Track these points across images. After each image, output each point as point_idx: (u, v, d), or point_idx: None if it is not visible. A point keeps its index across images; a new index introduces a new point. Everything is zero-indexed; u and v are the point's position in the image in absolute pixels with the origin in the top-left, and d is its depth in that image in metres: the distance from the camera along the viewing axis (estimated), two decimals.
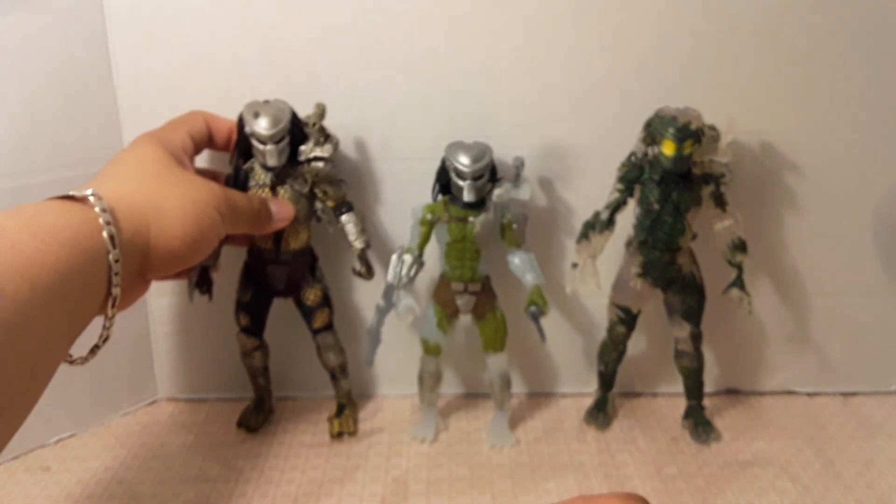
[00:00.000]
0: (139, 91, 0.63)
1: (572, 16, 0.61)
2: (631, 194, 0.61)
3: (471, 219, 0.59)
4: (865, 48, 0.62)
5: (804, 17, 0.61)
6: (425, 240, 0.61)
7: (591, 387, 0.69)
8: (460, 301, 0.63)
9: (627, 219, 0.62)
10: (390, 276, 0.61)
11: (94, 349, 0.43)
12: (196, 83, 0.63)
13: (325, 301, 0.64)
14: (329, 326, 0.65)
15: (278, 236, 0.61)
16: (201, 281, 0.62)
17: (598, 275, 0.62)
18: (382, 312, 0.63)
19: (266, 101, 0.58)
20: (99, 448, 0.64)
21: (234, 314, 0.65)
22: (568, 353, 0.70)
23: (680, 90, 0.62)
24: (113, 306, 0.41)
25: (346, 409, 0.67)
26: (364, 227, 0.62)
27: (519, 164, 0.60)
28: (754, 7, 0.61)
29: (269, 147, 0.57)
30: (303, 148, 0.59)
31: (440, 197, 0.61)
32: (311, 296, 0.64)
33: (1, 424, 0.34)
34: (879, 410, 0.69)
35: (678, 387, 0.67)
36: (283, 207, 0.58)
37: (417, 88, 0.63)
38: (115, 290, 0.40)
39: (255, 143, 0.57)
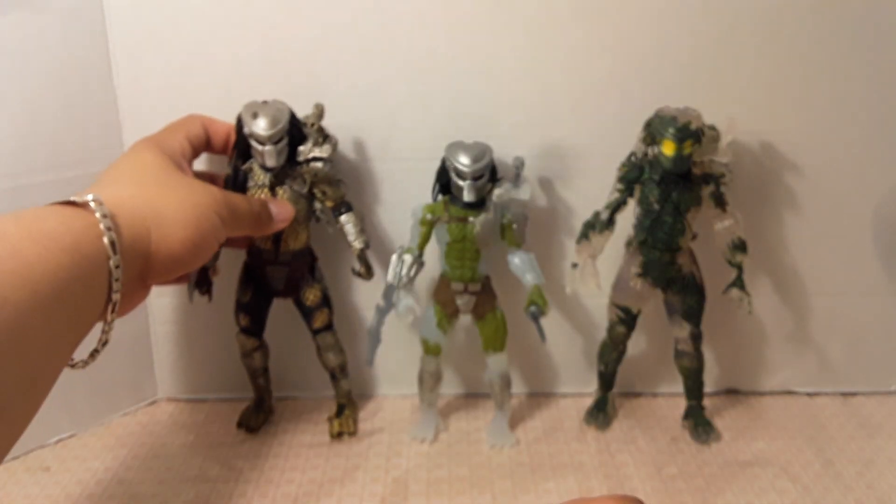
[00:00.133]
0: (139, 91, 0.63)
1: (572, 16, 0.61)
2: (631, 194, 0.61)
3: (471, 219, 0.59)
4: (865, 48, 0.62)
5: (804, 17, 0.61)
6: (425, 240, 0.61)
7: (591, 387, 0.69)
8: (460, 301, 0.63)
9: (627, 219, 0.62)
10: (390, 276, 0.61)
11: (94, 353, 0.43)
12: (196, 83, 0.63)
13: (325, 301, 0.64)
14: (329, 326, 0.65)
15: (277, 237, 0.61)
16: (201, 281, 0.62)
17: (598, 275, 0.62)
18: (382, 312, 0.63)
19: (265, 102, 0.58)
20: (99, 448, 0.64)
21: (234, 314, 0.65)
22: (568, 353, 0.70)
23: (680, 90, 0.62)
24: (113, 311, 0.41)
25: (346, 409, 0.67)
26: (363, 228, 0.62)
27: (519, 164, 0.60)
28: (754, 7, 0.61)
29: (267, 148, 0.57)
30: (301, 148, 0.59)
31: (440, 197, 0.61)
32: (311, 296, 0.64)
33: (3, 431, 0.34)
34: (879, 410, 0.69)
35: (678, 387, 0.67)
36: (283, 208, 0.58)
37: (417, 88, 0.63)
38: (116, 296, 0.40)
39: (253, 143, 0.57)
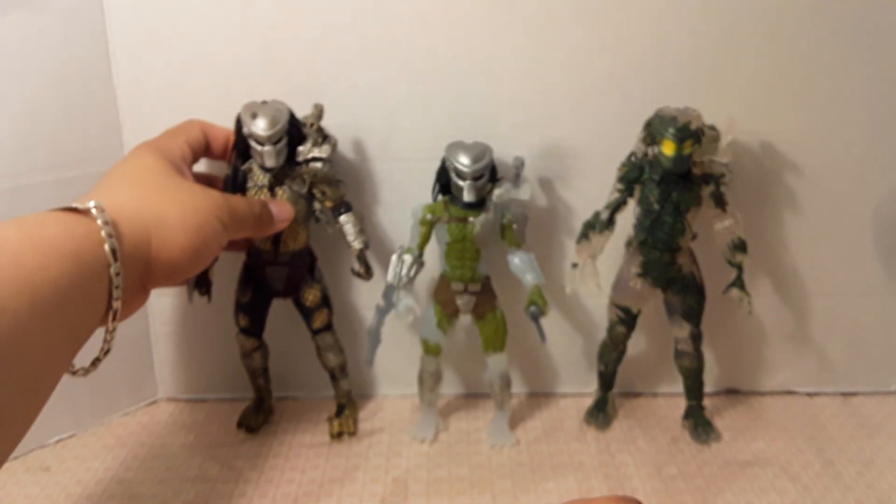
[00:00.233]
0: (139, 91, 0.63)
1: (572, 16, 0.61)
2: (631, 194, 0.61)
3: (471, 219, 0.59)
4: (865, 48, 0.62)
5: (804, 17, 0.61)
6: (425, 240, 0.61)
7: (591, 387, 0.69)
8: (460, 301, 0.63)
9: (627, 219, 0.62)
10: (390, 277, 0.61)
11: (96, 361, 0.42)
12: (196, 83, 0.63)
13: (325, 301, 0.64)
14: (328, 327, 0.65)
15: (277, 237, 0.61)
16: (200, 282, 0.62)
17: (598, 275, 0.62)
18: (382, 312, 0.63)
19: (264, 102, 0.58)
20: (99, 448, 0.64)
21: (234, 315, 0.65)
22: (568, 353, 0.70)
23: (680, 90, 0.62)
24: (114, 319, 0.40)
25: (346, 409, 0.67)
26: (363, 228, 0.62)
27: (519, 164, 0.60)
28: (754, 7, 0.61)
29: (267, 148, 0.57)
30: (301, 149, 0.59)
31: (440, 197, 0.61)
32: (311, 296, 0.64)
33: (2, 437, 0.33)
34: (879, 410, 0.69)
35: (678, 387, 0.67)
36: (283, 209, 0.58)
37: (417, 88, 0.63)
38: (116, 304, 0.40)
39: (253, 143, 0.57)
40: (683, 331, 0.64)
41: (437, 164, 0.60)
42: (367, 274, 0.63)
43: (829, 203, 0.66)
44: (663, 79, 0.62)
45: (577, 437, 0.66)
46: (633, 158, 0.60)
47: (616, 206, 0.61)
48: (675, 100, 0.59)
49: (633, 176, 0.60)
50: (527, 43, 0.62)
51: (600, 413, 0.67)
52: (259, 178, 0.59)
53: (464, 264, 0.61)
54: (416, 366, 0.65)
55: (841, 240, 0.67)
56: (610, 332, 0.66)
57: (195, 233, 0.46)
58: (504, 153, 0.61)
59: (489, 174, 0.59)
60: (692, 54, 0.62)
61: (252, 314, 0.65)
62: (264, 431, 0.67)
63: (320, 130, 0.59)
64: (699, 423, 0.65)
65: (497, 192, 0.59)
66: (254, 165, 0.59)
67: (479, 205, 0.59)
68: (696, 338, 0.64)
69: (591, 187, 0.63)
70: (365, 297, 0.68)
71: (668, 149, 0.57)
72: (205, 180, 0.60)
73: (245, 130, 0.57)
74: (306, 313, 0.65)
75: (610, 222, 0.61)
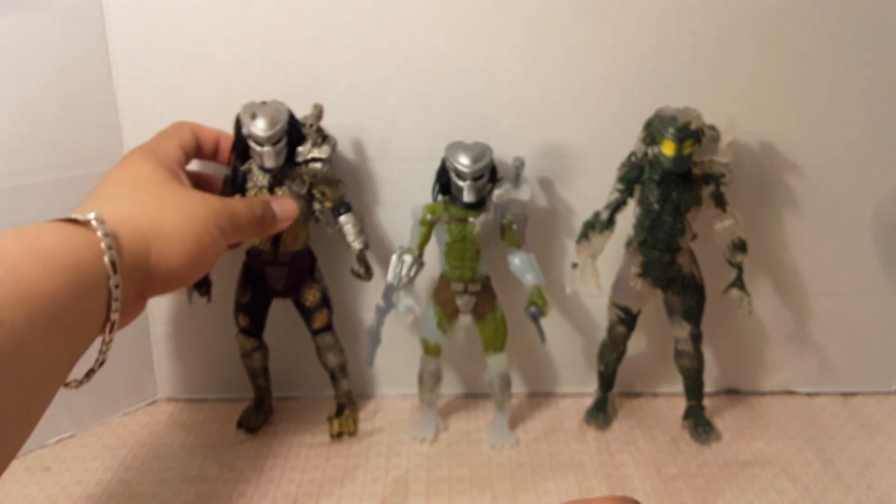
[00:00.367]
0: (139, 91, 0.63)
1: (572, 16, 0.61)
2: (631, 194, 0.61)
3: (471, 219, 0.59)
4: (865, 48, 0.62)
5: (804, 17, 0.61)
6: (425, 240, 0.61)
7: (591, 387, 0.69)
8: (460, 301, 0.63)
9: (627, 219, 0.62)
10: (390, 277, 0.61)
11: (90, 373, 0.42)
12: (196, 83, 0.63)
13: (325, 302, 0.64)
14: (328, 327, 0.65)
15: (277, 237, 0.61)
16: (200, 282, 0.62)
17: (598, 275, 0.62)
18: (382, 313, 0.63)
19: (263, 103, 0.58)
20: (99, 448, 0.64)
21: (234, 315, 0.65)
22: (568, 353, 0.70)
23: (680, 90, 0.62)
24: (111, 331, 0.40)
25: (346, 409, 0.67)
26: (362, 228, 0.62)
27: (519, 164, 0.60)
28: (754, 7, 0.61)
29: (266, 148, 0.57)
30: (300, 149, 0.59)
31: (440, 197, 0.61)
32: (311, 296, 0.64)
33: None
34: (879, 410, 0.69)
35: (678, 387, 0.67)
36: (286, 206, 0.56)
37: (417, 88, 0.63)
38: (115, 315, 0.40)
39: (252, 144, 0.57)
40: (683, 331, 0.64)
41: (437, 164, 0.60)
42: (367, 274, 0.63)
43: (829, 203, 0.66)
44: (663, 79, 0.62)
45: (577, 437, 0.66)
46: (633, 158, 0.60)
47: (616, 206, 0.61)
48: (675, 100, 0.59)
49: (633, 176, 0.60)
50: (527, 43, 0.62)
51: (600, 413, 0.67)
52: (258, 178, 0.59)
53: (464, 264, 0.61)
54: (416, 366, 0.65)
55: (841, 240, 0.67)
56: (610, 332, 0.66)
57: (194, 242, 0.45)
58: (504, 153, 0.61)
59: (489, 174, 0.59)
60: (692, 54, 0.62)
61: (252, 314, 0.65)
62: (264, 431, 0.67)
63: (320, 131, 0.59)
64: (699, 423, 0.65)
65: (497, 192, 0.59)
66: (253, 166, 0.59)
67: (479, 205, 0.59)
68: (696, 338, 0.64)
69: (591, 187, 0.63)
70: (365, 297, 0.68)
71: (668, 149, 0.57)
72: (205, 181, 0.60)
73: (244, 131, 0.57)
74: (306, 313, 0.65)
75: (610, 222, 0.61)
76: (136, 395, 0.70)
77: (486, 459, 0.63)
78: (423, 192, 0.62)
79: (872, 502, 0.57)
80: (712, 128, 0.58)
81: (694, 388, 0.66)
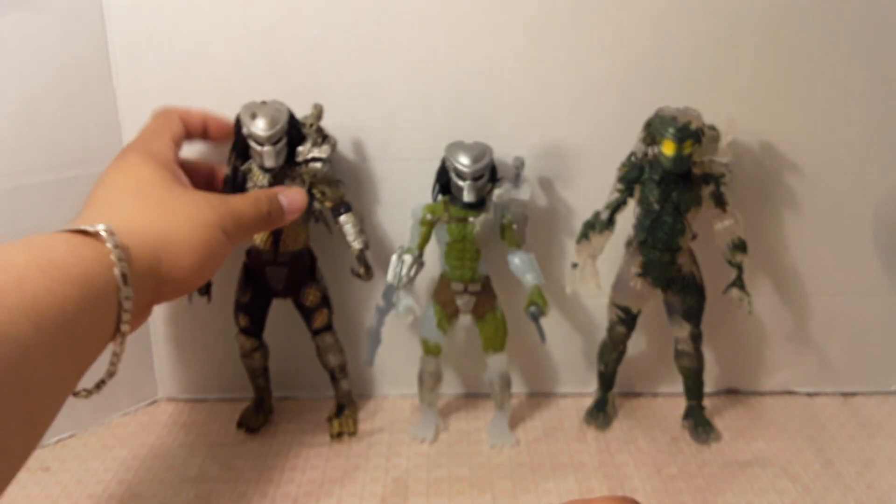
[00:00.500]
0: (139, 91, 0.63)
1: (572, 16, 0.61)
2: (631, 194, 0.61)
3: (471, 219, 0.59)
4: (865, 48, 0.62)
5: (804, 17, 0.61)
6: (425, 240, 0.61)
7: (591, 387, 0.69)
8: (460, 301, 0.63)
9: (627, 219, 0.62)
10: (390, 277, 0.61)
11: (100, 384, 0.42)
12: (196, 83, 0.63)
13: (325, 301, 0.64)
14: (328, 327, 0.65)
15: (277, 237, 0.61)
16: None
17: (598, 275, 0.62)
18: (382, 313, 0.63)
19: (263, 102, 0.58)
20: (99, 448, 0.64)
21: (234, 315, 0.65)
22: (568, 353, 0.70)
23: (680, 90, 0.62)
24: (122, 343, 0.40)
25: (346, 409, 0.67)
26: (363, 228, 0.62)
27: (519, 164, 0.60)
28: (754, 7, 0.61)
29: (266, 148, 0.57)
30: (300, 149, 0.59)
31: (440, 197, 0.61)
32: (311, 296, 0.64)
33: (2, 468, 0.33)
34: (879, 410, 0.69)
35: (678, 387, 0.67)
36: (295, 197, 0.54)
37: (417, 88, 0.63)
38: (125, 328, 0.39)
39: (252, 144, 0.57)
40: (683, 331, 0.64)
41: (437, 164, 0.60)
42: (367, 274, 0.63)
43: (829, 203, 0.66)
44: (663, 79, 0.62)
45: (577, 437, 0.66)
46: (633, 158, 0.60)
47: (616, 206, 0.61)
48: (675, 100, 0.59)
49: (633, 176, 0.60)
50: (527, 43, 0.62)
51: (600, 413, 0.67)
52: (258, 178, 0.59)
53: (464, 264, 0.61)
54: (416, 366, 0.65)
55: (841, 240, 0.67)
56: (610, 332, 0.66)
57: (203, 250, 0.45)
58: (504, 153, 0.61)
59: (489, 174, 0.59)
60: (692, 54, 0.62)
61: (252, 314, 0.65)
62: (264, 431, 0.67)
63: (320, 130, 0.59)
64: (699, 423, 0.65)
65: (497, 192, 0.59)
66: (253, 166, 0.59)
67: (479, 205, 0.59)
68: (696, 338, 0.64)
69: (591, 187, 0.63)
70: (365, 297, 0.68)
71: (668, 149, 0.57)
72: (206, 171, 0.59)
73: (244, 131, 0.57)
74: (306, 313, 0.65)
75: (610, 222, 0.61)
76: (136, 395, 0.70)
77: (486, 459, 0.63)
78: (423, 192, 0.62)
79: (872, 502, 0.57)
80: (712, 128, 0.58)
81: (694, 388, 0.66)
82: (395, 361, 0.68)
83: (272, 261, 0.62)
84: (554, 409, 0.70)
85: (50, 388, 0.35)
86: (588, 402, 0.69)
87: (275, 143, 0.57)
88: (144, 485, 0.60)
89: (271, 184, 0.59)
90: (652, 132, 0.58)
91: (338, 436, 0.65)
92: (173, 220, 0.45)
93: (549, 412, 0.69)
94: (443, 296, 0.63)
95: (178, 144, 0.55)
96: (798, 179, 0.65)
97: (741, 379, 0.72)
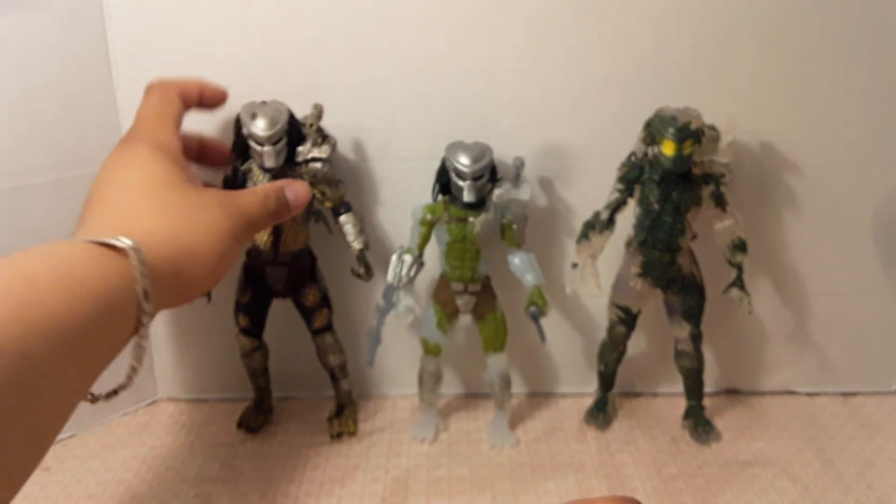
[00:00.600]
0: (139, 91, 0.62)
1: (572, 16, 0.61)
2: (631, 194, 0.61)
3: (471, 219, 0.59)
4: (865, 48, 0.62)
5: (804, 17, 0.61)
6: (425, 240, 0.61)
7: (591, 387, 0.69)
8: (460, 301, 0.63)
9: (627, 219, 0.62)
10: (390, 277, 0.61)
11: (111, 394, 0.40)
12: None
13: (325, 301, 0.64)
14: (328, 327, 0.65)
15: (277, 237, 0.61)
16: None
17: (598, 275, 0.62)
18: (382, 313, 0.63)
19: (263, 102, 0.58)
20: (99, 448, 0.64)
21: (234, 315, 0.65)
22: (568, 353, 0.70)
23: (680, 90, 0.62)
24: (140, 358, 0.39)
25: (346, 409, 0.67)
26: (363, 228, 0.62)
27: (519, 164, 0.60)
28: (754, 7, 0.61)
29: (266, 148, 0.57)
30: (300, 149, 0.59)
31: (440, 197, 0.61)
32: (311, 296, 0.64)
33: (8, 484, 0.32)
34: (879, 410, 0.69)
35: (678, 387, 0.67)
36: (300, 191, 0.51)
37: (417, 88, 0.63)
38: (143, 342, 0.38)
39: (252, 144, 0.57)
40: (683, 331, 0.64)
41: (437, 164, 0.60)
42: (367, 274, 0.63)
43: (829, 203, 0.66)
44: (663, 79, 0.62)
45: (577, 437, 0.66)
46: (633, 158, 0.60)
47: (616, 206, 0.61)
48: (675, 100, 0.59)
49: (633, 176, 0.60)
50: (527, 43, 0.62)
51: (600, 413, 0.67)
52: (258, 178, 0.59)
53: (464, 264, 0.61)
54: (416, 366, 0.65)
55: (841, 240, 0.67)
56: (610, 332, 0.66)
57: (219, 261, 0.44)
58: (504, 153, 0.61)
59: (489, 174, 0.59)
60: (692, 54, 0.62)
61: (252, 314, 0.65)
62: (264, 431, 0.67)
63: (320, 131, 0.59)
64: (699, 423, 0.65)
65: (497, 192, 0.59)
66: (253, 166, 0.59)
67: (479, 205, 0.59)
68: (696, 338, 0.64)
69: (591, 187, 0.63)
70: (365, 297, 0.68)
71: (668, 149, 0.57)
72: (216, 152, 0.58)
73: (245, 131, 0.57)
74: (306, 313, 0.65)
75: (610, 222, 0.61)
76: (136, 395, 0.70)
77: (486, 459, 0.63)
78: (423, 192, 0.62)
79: (872, 502, 0.57)
80: (712, 128, 0.58)
81: (694, 388, 0.66)
82: (395, 361, 0.68)
83: (272, 261, 0.62)
84: (554, 409, 0.70)
85: (60, 400, 0.35)
86: (588, 402, 0.69)
87: (275, 143, 0.57)
88: (144, 485, 0.60)
89: None
90: (652, 132, 0.58)
91: (338, 436, 0.65)
92: (194, 230, 0.43)
93: (549, 412, 0.69)
94: (443, 296, 0.63)
95: (179, 128, 0.52)
96: (798, 179, 0.65)
97: (741, 379, 0.72)
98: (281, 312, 0.65)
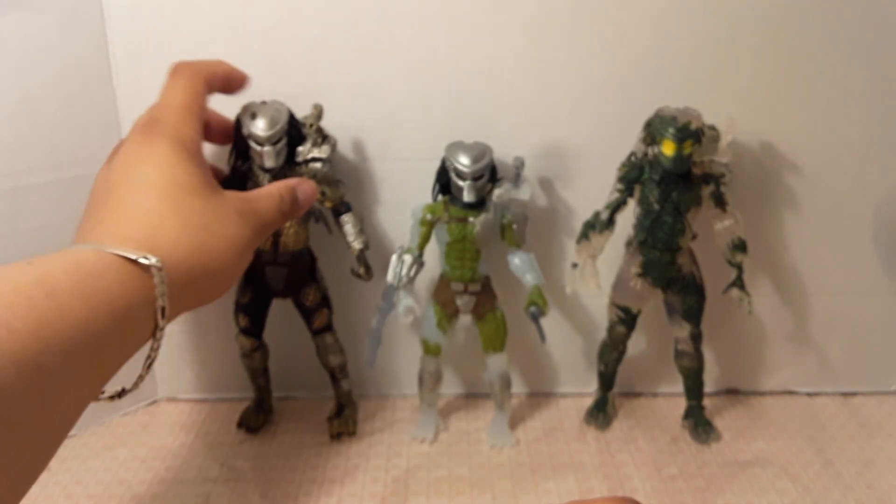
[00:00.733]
0: (139, 91, 0.62)
1: (572, 16, 0.61)
2: (631, 194, 0.61)
3: (471, 219, 0.59)
4: (865, 48, 0.62)
5: (804, 17, 0.61)
6: (425, 240, 0.61)
7: (591, 387, 0.69)
8: (460, 301, 0.63)
9: (627, 219, 0.62)
10: (390, 277, 0.61)
11: (117, 396, 0.40)
12: None
13: (325, 302, 0.64)
14: (328, 327, 0.65)
15: (277, 237, 0.61)
16: None
17: (598, 275, 0.62)
18: (383, 313, 0.63)
19: (263, 103, 0.58)
20: (99, 448, 0.64)
21: (234, 315, 0.65)
22: (568, 353, 0.70)
23: (680, 90, 0.62)
24: (149, 368, 0.39)
25: (346, 409, 0.67)
26: (363, 228, 0.62)
27: (519, 164, 0.60)
28: (754, 7, 0.61)
29: (266, 148, 0.57)
30: (300, 149, 0.59)
31: (440, 197, 0.61)
32: (311, 296, 0.64)
33: (16, 486, 0.32)
34: (879, 410, 0.69)
35: (678, 387, 0.67)
36: (308, 190, 0.50)
37: (417, 88, 0.63)
38: (155, 353, 0.39)
39: (252, 144, 0.57)
40: (683, 331, 0.64)
41: (437, 164, 0.60)
42: (367, 274, 0.63)
43: (829, 203, 0.66)
44: (663, 79, 0.62)
45: (577, 437, 0.66)
46: (633, 158, 0.60)
47: (616, 206, 0.61)
48: (675, 100, 0.59)
49: (633, 176, 0.60)
50: (527, 43, 0.62)
51: (600, 413, 0.67)
52: (258, 178, 0.59)
53: (464, 264, 0.61)
54: (416, 366, 0.65)
55: (841, 240, 0.67)
56: (610, 332, 0.66)
57: (235, 274, 0.44)
58: (504, 153, 0.61)
59: (489, 174, 0.59)
60: (692, 54, 0.62)
61: (252, 314, 0.65)
62: (264, 431, 0.67)
63: (320, 131, 0.59)
64: (699, 423, 0.65)
65: (497, 192, 0.59)
66: (253, 166, 0.59)
67: (479, 205, 0.59)
68: (696, 338, 0.64)
69: (591, 187, 0.63)
70: (365, 297, 0.68)
71: (668, 149, 0.57)
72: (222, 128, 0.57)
73: (244, 131, 0.57)
74: (306, 313, 0.65)
75: (610, 222, 0.61)
76: (136, 395, 0.69)
77: (486, 459, 0.63)
78: (423, 192, 0.62)
79: (872, 502, 0.57)
80: (712, 128, 0.58)
81: (694, 388, 0.66)
82: (395, 361, 0.68)
83: (272, 261, 0.62)
84: (554, 409, 0.70)
85: (71, 408, 0.35)
86: (588, 402, 0.69)
87: (275, 144, 0.57)
88: (144, 485, 0.60)
89: None
90: (652, 132, 0.58)
91: (338, 436, 0.65)
92: (214, 245, 0.42)
93: (549, 412, 0.69)
94: (443, 296, 0.63)
95: (203, 121, 0.49)
96: (798, 179, 0.65)
97: (741, 379, 0.72)
98: (281, 312, 0.66)
